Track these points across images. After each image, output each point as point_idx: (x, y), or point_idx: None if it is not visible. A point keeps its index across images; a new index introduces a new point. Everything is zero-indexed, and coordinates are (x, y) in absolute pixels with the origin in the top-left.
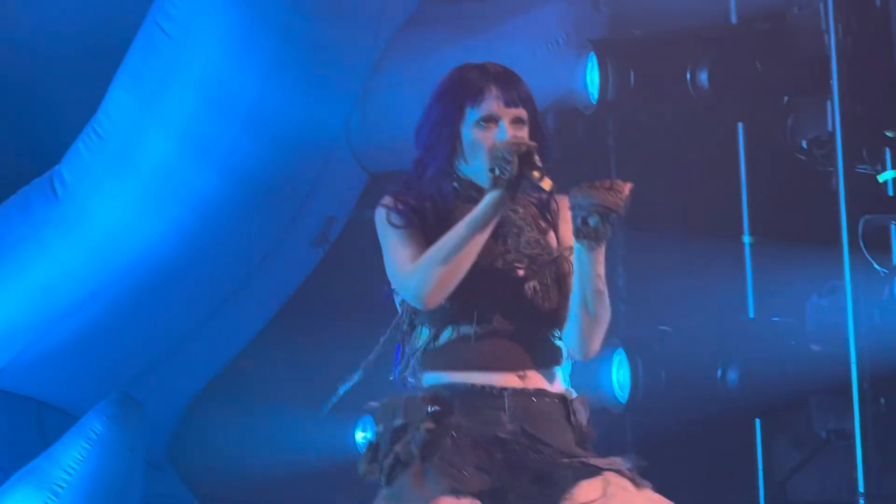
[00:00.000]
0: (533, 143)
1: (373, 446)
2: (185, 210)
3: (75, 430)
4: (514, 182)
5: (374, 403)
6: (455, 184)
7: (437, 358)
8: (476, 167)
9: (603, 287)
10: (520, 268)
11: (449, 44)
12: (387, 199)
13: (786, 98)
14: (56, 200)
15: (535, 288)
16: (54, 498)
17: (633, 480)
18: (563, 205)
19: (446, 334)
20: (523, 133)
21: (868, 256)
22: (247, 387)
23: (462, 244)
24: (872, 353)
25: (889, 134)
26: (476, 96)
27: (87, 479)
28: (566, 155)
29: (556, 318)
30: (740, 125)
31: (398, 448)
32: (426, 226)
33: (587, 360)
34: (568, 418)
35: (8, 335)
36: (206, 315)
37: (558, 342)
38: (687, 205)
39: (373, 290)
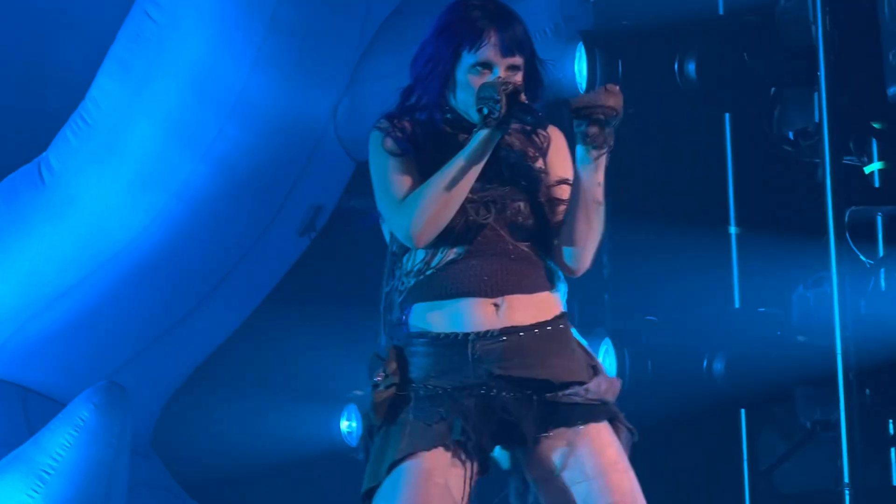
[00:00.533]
0: (519, 82)
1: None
2: (171, 197)
3: (62, 417)
4: (503, 121)
5: (358, 392)
6: (448, 115)
7: (421, 289)
8: (467, 104)
9: (601, 197)
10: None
11: None
12: (383, 123)
13: (773, 89)
14: (43, 187)
15: (520, 208)
16: (41, 485)
17: (614, 425)
18: (554, 134)
19: (436, 259)
20: (517, 79)
21: (854, 248)
22: (232, 375)
23: (452, 183)
24: (858, 344)
25: (876, 125)
26: (474, 42)
27: (74, 466)
28: None
29: (544, 240)
30: (727, 116)
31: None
32: (419, 154)
33: (578, 276)
34: (560, 341)
35: None
36: (192, 303)
37: (550, 263)
38: (673, 195)
39: (359, 278)
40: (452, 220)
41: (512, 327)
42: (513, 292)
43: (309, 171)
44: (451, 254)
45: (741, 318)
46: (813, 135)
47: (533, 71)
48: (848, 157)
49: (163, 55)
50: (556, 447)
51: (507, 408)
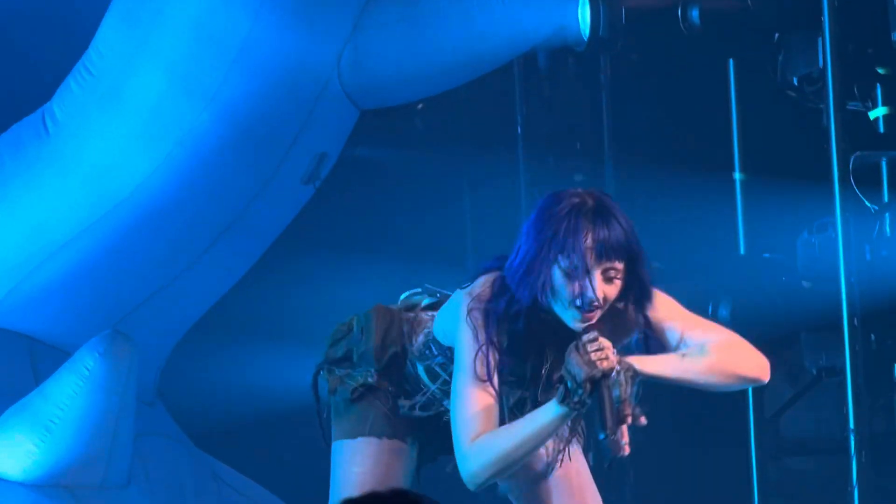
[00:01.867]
0: (611, 366)
1: None
2: (175, 146)
3: (68, 367)
4: (582, 406)
5: None
6: (542, 314)
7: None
8: (561, 307)
9: (686, 376)
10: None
11: None
12: (480, 335)
13: (777, 35)
14: (48, 137)
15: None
16: (47, 434)
17: None
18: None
19: None
20: (613, 288)
21: (859, 193)
22: (237, 323)
23: (520, 448)
24: (863, 289)
25: (880, 70)
26: (566, 245)
27: (80, 415)
28: (558, 94)
29: None
30: (731, 62)
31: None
32: (501, 363)
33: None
34: None
35: (1, 271)
36: (197, 251)
37: None
38: (678, 142)
39: (363, 226)
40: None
41: None
42: None
43: (313, 119)
44: None
45: (746, 265)
46: (817, 80)
47: (634, 277)
48: (852, 103)
49: (165, 4)
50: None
51: None
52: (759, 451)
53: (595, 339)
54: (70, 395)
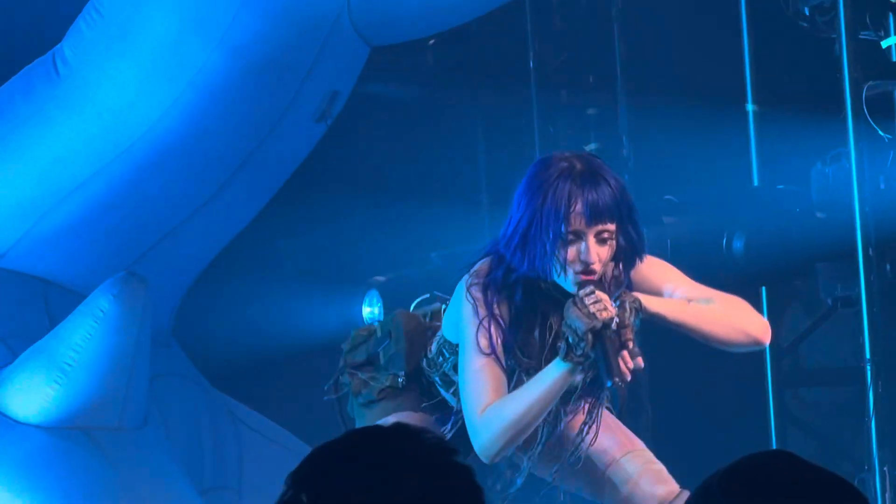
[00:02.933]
0: (610, 316)
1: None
2: (187, 86)
3: (82, 309)
4: (586, 359)
5: (379, 278)
6: (542, 283)
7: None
8: (558, 274)
9: (690, 321)
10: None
11: None
12: (477, 295)
13: None
14: (58, 79)
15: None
16: (63, 376)
17: None
18: (638, 273)
19: None
20: (607, 249)
21: (872, 123)
22: (252, 263)
23: (529, 412)
24: (877, 219)
25: (892, 0)
26: (560, 209)
27: (95, 356)
28: (570, 28)
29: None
30: None
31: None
32: (505, 336)
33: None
34: None
35: (13, 215)
36: (210, 191)
37: None
38: (690, 74)
39: (376, 164)
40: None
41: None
42: None
43: (324, 56)
44: None
45: (760, 196)
46: (829, 10)
47: (627, 237)
48: (865, 32)
49: None
50: None
51: None
52: (775, 382)
53: (592, 293)
54: (85, 338)
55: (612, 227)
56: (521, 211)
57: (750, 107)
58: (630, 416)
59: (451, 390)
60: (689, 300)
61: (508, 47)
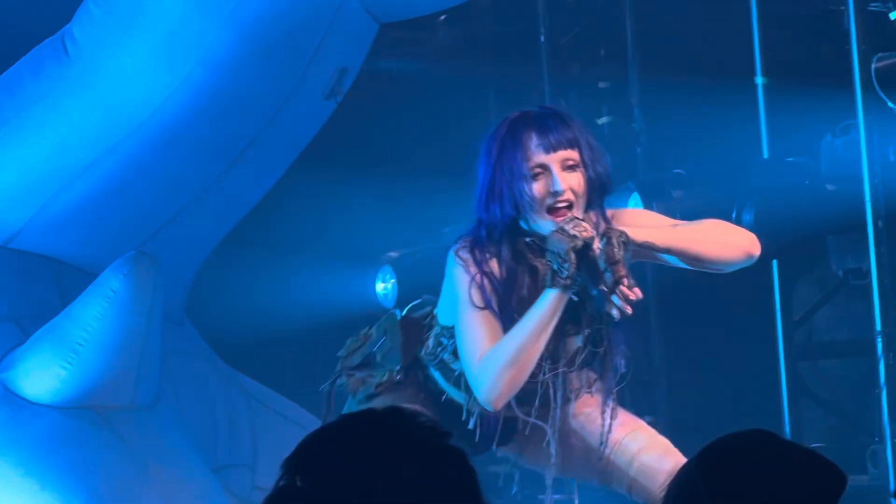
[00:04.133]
0: (591, 235)
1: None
2: (195, 64)
3: (93, 289)
4: (573, 280)
5: (393, 254)
6: (527, 239)
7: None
8: (537, 220)
9: (679, 243)
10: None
11: None
12: (465, 256)
13: None
14: (68, 59)
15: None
16: (75, 356)
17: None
18: (622, 221)
19: None
20: (577, 176)
21: (882, 94)
22: (264, 240)
23: (525, 346)
24: (887, 191)
25: None
26: (518, 150)
27: (107, 336)
28: (581, 1)
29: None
30: None
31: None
32: (499, 292)
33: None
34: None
35: (25, 195)
36: (220, 170)
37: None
38: (700, 47)
39: (387, 139)
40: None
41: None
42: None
43: (332, 33)
44: None
45: (769, 168)
46: None
47: (593, 166)
48: (874, 4)
49: None
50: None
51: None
52: (787, 355)
53: (571, 219)
54: (96, 317)
55: (574, 154)
56: (483, 168)
57: (759, 79)
58: (643, 390)
59: (452, 380)
60: (677, 221)
61: (519, 22)
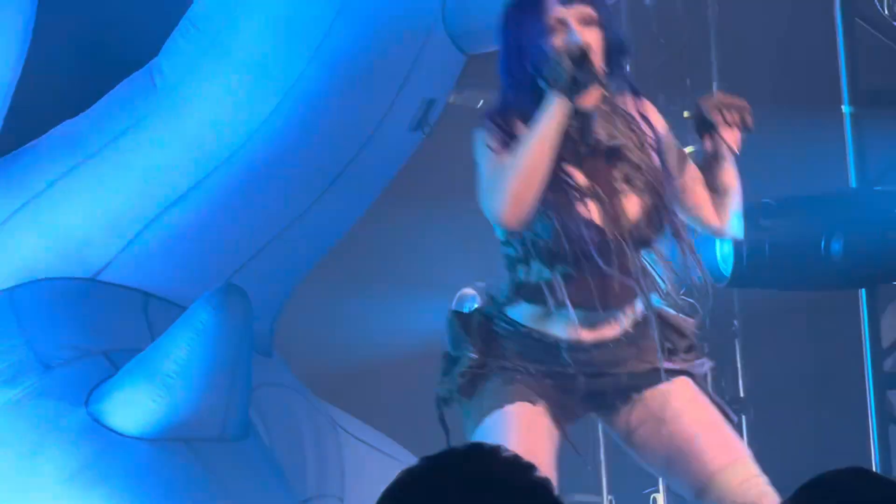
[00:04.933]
0: (585, 45)
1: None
2: (282, 98)
3: (183, 321)
4: (569, 86)
5: (479, 283)
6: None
7: (528, 291)
8: (559, 77)
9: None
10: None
11: None
12: (486, 122)
13: None
14: (155, 92)
15: (630, 215)
16: (165, 389)
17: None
18: (649, 108)
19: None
20: (594, 32)
21: None
22: (352, 271)
23: (530, 159)
24: None
25: None
26: (536, 6)
27: (197, 368)
28: (666, 32)
29: (651, 242)
30: None
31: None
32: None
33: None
34: (642, 339)
35: (113, 228)
36: (307, 202)
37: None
38: (785, 75)
39: (468, 169)
40: (568, 232)
41: (603, 341)
42: (612, 309)
43: (419, 65)
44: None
45: (857, 198)
46: None
47: (610, 27)
48: None
49: None
50: (637, 406)
51: (589, 388)
52: (876, 383)
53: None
54: (186, 350)
55: (591, 11)
56: (503, 32)
57: (846, 108)
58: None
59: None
60: None
61: None
